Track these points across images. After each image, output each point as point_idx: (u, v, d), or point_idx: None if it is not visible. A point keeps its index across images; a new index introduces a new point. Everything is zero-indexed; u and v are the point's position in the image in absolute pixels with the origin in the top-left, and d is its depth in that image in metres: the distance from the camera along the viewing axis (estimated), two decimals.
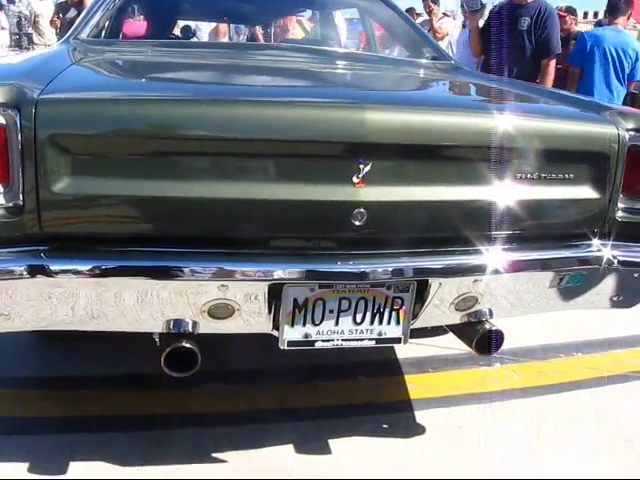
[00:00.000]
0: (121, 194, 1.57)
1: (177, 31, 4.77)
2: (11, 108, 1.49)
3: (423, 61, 3.01)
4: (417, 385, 2.76)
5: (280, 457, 2.22)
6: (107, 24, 2.90)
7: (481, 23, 5.43)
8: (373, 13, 3.55)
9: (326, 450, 2.29)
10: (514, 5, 4.99)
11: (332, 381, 2.74)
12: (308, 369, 2.77)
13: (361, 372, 2.83)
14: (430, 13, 8.22)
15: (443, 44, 8.12)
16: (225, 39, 7.37)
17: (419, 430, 2.45)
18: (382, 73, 2.74)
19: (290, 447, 2.28)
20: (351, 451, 2.28)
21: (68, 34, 2.68)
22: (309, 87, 2.36)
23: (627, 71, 5.39)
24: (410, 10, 9.58)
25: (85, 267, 1.56)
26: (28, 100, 1.50)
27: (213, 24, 7.32)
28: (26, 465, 2.09)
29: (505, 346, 3.05)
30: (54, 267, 1.55)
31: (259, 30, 6.06)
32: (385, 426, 2.45)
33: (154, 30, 3.68)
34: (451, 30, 8.02)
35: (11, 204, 1.54)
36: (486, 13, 5.71)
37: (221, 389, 2.61)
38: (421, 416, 2.53)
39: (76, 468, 2.09)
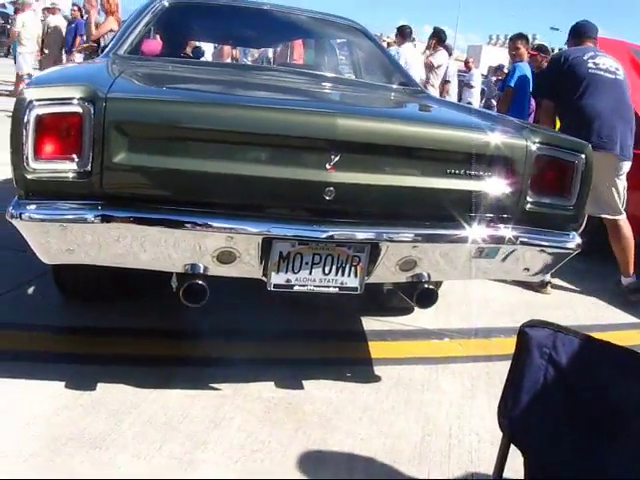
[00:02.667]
0: (161, 166, 2.20)
1: (189, 50, 5.41)
2: (87, 102, 2.11)
3: (393, 86, 3.67)
4: (377, 349, 3.36)
5: (262, 390, 2.81)
6: (136, 43, 3.52)
7: None
8: (358, 44, 4.23)
9: (299, 387, 2.88)
10: None
11: (308, 342, 3.34)
12: (290, 332, 3.39)
13: (332, 337, 3.45)
14: (429, 47, 9.01)
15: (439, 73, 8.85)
16: (228, 59, 8.08)
17: (376, 379, 3.05)
18: (357, 93, 3.42)
19: (271, 384, 2.87)
20: (319, 389, 2.87)
21: (107, 50, 3.33)
22: (301, 100, 3.01)
23: None
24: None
25: (131, 216, 2.18)
26: (100, 97, 2.12)
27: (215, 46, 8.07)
28: (62, 384, 2.66)
29: (455, 326, 3.73)
30: (109, 217, 2.17)
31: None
32: (349, 374, 3.04)
33: (171, 49, 4.33)
34: (443, 61, 8.71)
35: (82, 170, 2.15)
36: None
37: (220, 343, 3.21)
38: (378, 370, 3.13)
39: (103, 387, 2.67)
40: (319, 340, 3.39)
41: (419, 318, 3.80)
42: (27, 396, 2.56)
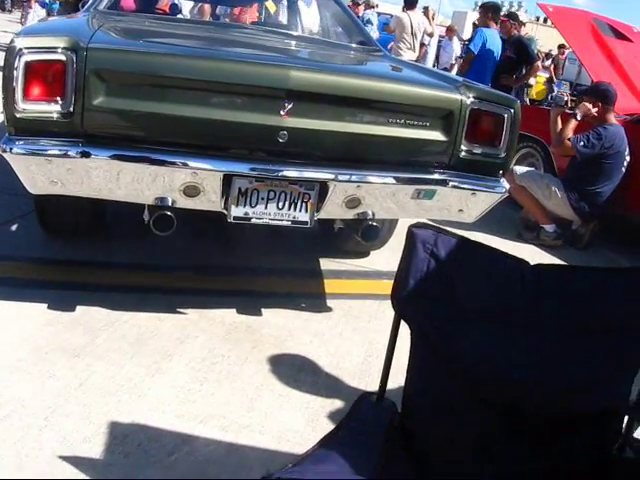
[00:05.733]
0: (135, 109, 2.49)
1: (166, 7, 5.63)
2: (70, 51, 2.40)
3: (353, 45, 3.97)
4: (332, 285, 3.70)
5: (225, 315, 3.14)
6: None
7: None
8: (324, 5, 4.51)
9: (259, 314, 3.22)
10: None
11: (270, 277, 3.67)
12: (254, 269, 3.73)
13: (292, 274, 3.78)
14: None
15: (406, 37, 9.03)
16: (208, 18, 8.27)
17: (328, 309, 3.40)
18: (314, 49, 3.72)
19: (233, 311, 3.20)
20: (276, 317, 3.21)
21: (88, 5, 3.59)
22: (261, 54, 3.30)
23: None
24: None
25: (107, 153, 2.48)
26: (81, 47, 2.41)
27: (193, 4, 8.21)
28: (45, 305, 2.97)
29: None
30: (88, 153, 2.46)
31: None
32: (304, 305, 3.38)
33: (147, 5, 4.59)
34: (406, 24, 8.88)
35: (65, 111, 2.44)
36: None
37: (188, 276, 3.54)
38: (331, 303, 3.47)
39: (81, 309, 2.99)
40: (280, 276, 3.71)
41: (374, 261, 4.15)
42: (14, 314, 2.88)
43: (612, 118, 5.07)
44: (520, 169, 5.45)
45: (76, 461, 2.06)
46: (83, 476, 2.02)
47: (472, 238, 1.54)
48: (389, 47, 8.49)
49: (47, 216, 3.53)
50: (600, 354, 1.45)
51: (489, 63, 7.19)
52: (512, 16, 8.14)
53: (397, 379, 1.74)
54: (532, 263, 1.52)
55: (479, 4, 8.72)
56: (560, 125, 5.19)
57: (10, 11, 25.35)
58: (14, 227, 3.86)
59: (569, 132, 5.07)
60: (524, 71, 7.79)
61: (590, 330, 1.45)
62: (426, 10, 10.30)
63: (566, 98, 5.63)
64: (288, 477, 1.10)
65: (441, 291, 1.46)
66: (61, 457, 2.07)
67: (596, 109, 5.03)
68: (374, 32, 11.22)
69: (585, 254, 5.08)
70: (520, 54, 7.60)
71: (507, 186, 2.98)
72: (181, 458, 2.15)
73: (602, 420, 1.47)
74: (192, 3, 6.28)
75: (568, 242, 5.20)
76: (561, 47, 14.90)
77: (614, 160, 4.99)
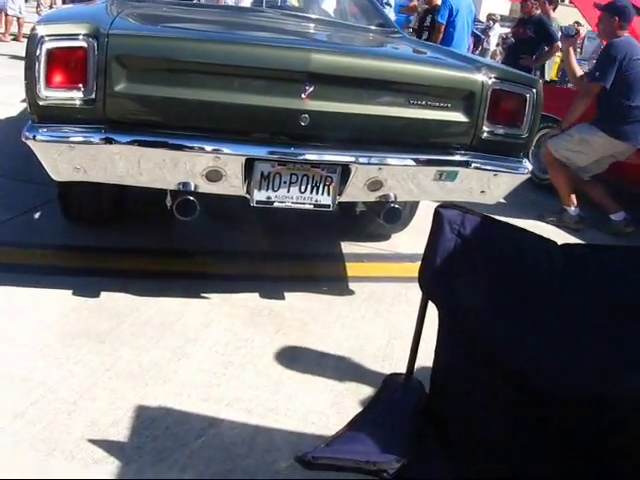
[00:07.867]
0: (157, 95, 2.50)
1: None
2: (91, 37, 2.41)
3: (372, 27, 3.94)
4: (354, 269, 3.70)
5: (248, 299, 3.16)
6: None
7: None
8: None
9: (282, 298, 3.23)
10: None
11: (292, 262, 3.68)
12: (276, 254, 3.73)
13: (314, 258, 3.79)
14: None
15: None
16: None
17: (350, 293, 3.40)
18: (334, 32, 3.70)
19: (256, 295, 3.22)
20: (299, 300, 3.22)
21: None
22: (282, 37, 3.29)
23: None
24: None
25: (130, 139, 2.49)
26: (102, 33, 2.42)
27: None
28: (70, 292, 3.00)
29: None
30: (111, 139, 2.48)
31: None
32: (325, 289, 3.39)
33: None
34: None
35: (87, 97, 2.45)
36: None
37: (211, 261, 3.55)
38: (352, 286, 3.47)
39: (106, 295, 3.01)
40: (301, 260, 3.73)
41: (396, 244, 4.14)
42: (39, 300, 2.91)
43: (624, 34, 4.84)
44: (552, 141, 5.24)
45: (105, 444, 2.09)
46: (112, 459, 2.04)
47: None
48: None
49: (69, 203, 3.55)
50: (631, 337, 1.44)
51: (463, 28, 7.34)
52: None
53: (423, 361, 1.75)
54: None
55: None
56: (573, 57, 5.10)
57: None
58: (37, 215, 3.89)
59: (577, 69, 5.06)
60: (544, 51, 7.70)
61: (619, 312, 1.43)
62: None
63: (577, 27, 5.46)
64: (322, 455, 1.11)
65: (468, 271, 1.46)
66: (90, 440, 2.10)
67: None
68: (391, 14, 11.16)
69: (613, 238, 4.98)
70: (540, 34, 7.50)
71: (530, 167, 2.96)
72: (208, 441, 2.17)
73: (635, 407, 1.45)
74: None
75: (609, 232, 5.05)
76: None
77: (636, 69, 4.75)
